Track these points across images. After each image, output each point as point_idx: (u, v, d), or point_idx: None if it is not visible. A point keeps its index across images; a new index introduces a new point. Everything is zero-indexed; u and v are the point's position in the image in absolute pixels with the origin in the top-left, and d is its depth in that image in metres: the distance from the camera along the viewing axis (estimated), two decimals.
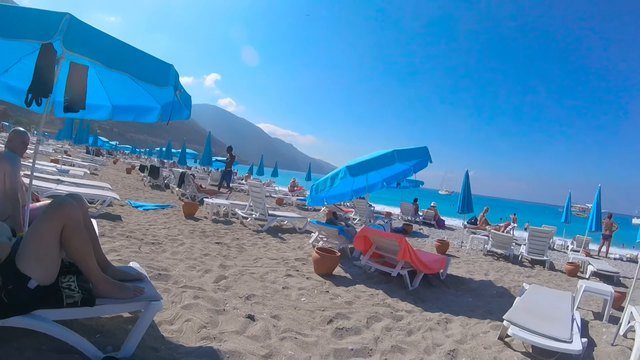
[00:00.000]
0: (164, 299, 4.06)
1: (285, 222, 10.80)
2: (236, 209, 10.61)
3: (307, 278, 6.02)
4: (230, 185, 19.13)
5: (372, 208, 19.71)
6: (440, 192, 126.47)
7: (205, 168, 27.61)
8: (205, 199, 11.56)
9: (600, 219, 15.78)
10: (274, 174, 30.59)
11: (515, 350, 4.65)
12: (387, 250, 6.95)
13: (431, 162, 8.41)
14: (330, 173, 7.63)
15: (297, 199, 18.18)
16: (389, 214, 19.09)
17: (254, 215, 9.91)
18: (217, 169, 21.99)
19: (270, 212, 10.13)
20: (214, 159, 21.29)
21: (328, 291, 5.56)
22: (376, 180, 10.06)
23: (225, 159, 17.85)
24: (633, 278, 5.87)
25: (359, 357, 3.72)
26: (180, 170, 19.13)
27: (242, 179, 27.81)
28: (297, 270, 6.35)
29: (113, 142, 58.35)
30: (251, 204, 10.43)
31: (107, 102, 5.15)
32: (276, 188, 25.73)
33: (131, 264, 4.01)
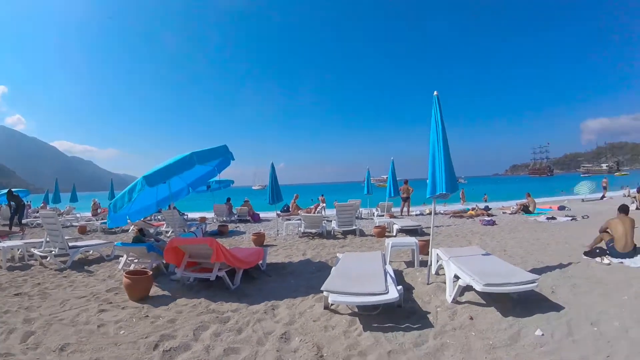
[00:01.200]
0: None
1: (90, 252, 9.62)
2: (32, 249, 9.01)
3: (123, 308, 5.46)
4: (23, 221, 16.76)
5: (185, 216, 18.99)
6: (253, 187, 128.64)
7: None
8: None
9: (397, 186, 17.88)
10: (73, 198, 26.65)
11: (342, 314, 5.01)
12: (201, 256, 6.69)
13: (233, 159, 8.27)
14: (127, 187, 6.93)
15: (102, 223, 16.36)
16: (203, 219, 18.53)
17: (53, 252, 8.59)
18: (7, 204, 18.37)
19: (71, 244, 8.88)
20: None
21: (148, 315, 5.13)
22: (181, 187, 9.55)
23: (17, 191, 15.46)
24: (431, 228, 6.80)
25: None
26: None
27: (36, 212, 23.25)
28: (111, 303, 5.70)
29: None
30: (47, 239, 9.03)
31: None
32: (77, 215, 22.70)
33: None
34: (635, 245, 7.39)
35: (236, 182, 18.63)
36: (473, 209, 19.14)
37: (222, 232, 13.78)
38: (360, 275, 5.49)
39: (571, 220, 14.75)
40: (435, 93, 6.08)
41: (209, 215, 20.42)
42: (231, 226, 15.96)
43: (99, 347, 4.08)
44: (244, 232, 14.39)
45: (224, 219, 18.75)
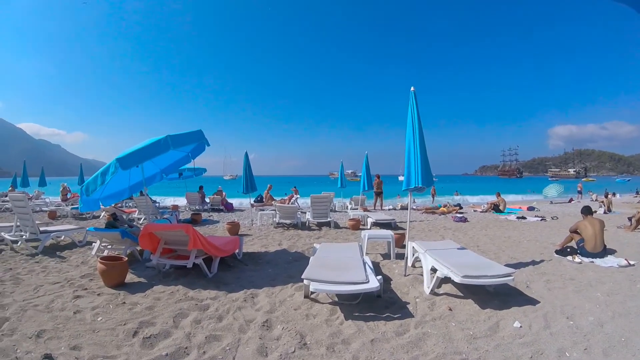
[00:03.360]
0: None
1: (62, 238, 9.37)
2: (2, 233, 8.68)
3: (99, 294, 5.34)
4: None
5: (157, 204, 18.70)
6: (224, 177, 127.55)
7: None
8: None
9: (371, 180, 17.92)
10: (42, 183, 25.87)
11: (323, 303, 5.05)
12: (177, 243, 6.60)
13: (208, 145, 8.15)
14: (100, 169, 6.71)
15: (72, 208, 15.93)
16: (175, 207, 18.28)
17: (24, 237, 8.31)
18: None
19: (42, 229, 8.61)
20: None
21: (125, 302, 5.05)
22: (154, 172, 9.38)
23: None
24: (407, 222, 6.91)
25: None
26: None
27: (4, 195, 22.28)
28: (86, 289, 5.57)
29: None
30: (18, 223, 8.72)
31: None
32: (47, 200, 22.00)
33: None
34: (605, 246, 7.73)
35: (208, 171, 18.34)
36: (445, 206, 19.55)
37: (195, 220, 13.65)
38: (340, 264, 5.56)
39: (540, 220, 15.22)
40: (412, 89, 6.15)
41: (181, 203, 20.18)
42: (204, 215, 15.84)
43: (76, 334, 4.00)
44: (217, 221, 14.29)
45: (197, 207, 18.57)
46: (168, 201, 22.98)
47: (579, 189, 30.15)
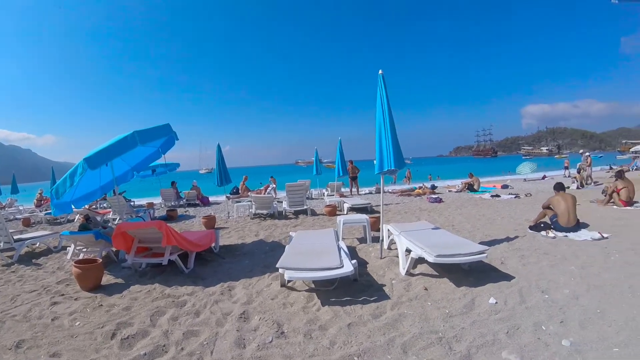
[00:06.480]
0: None
1: (37, 245, 9.19)
2: None
3: (76, 299, 5.25)
4: None
5: (132, 203, 18.44)
6: (200, 171, 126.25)
7: None
8: None
9: (346, 166, 17.86)
10: (14, 190, 25.03)
11: (300, 291, 5.08)
12: (151, 241, 6.52)
13: (177, 139, 8.04)
14: (68, 171, 6.57)
15: (45, 214, 15.60)
16: (150, 204, 18.01)
17: None
18: None
19: (16, 237, 8.39)
20: None
21: (102, 304, 4.97)
22: (125, 170, 9.22)
23: None
24: (381, 205, 7.06)
25: (157, 358, 3.49)
26: None
27: None
28: (63, 295, 5.47)
29: None
30: None
31: None
32: (20, 207, 21.40)
33: None
34: (578, 220, 7.92)
35: (182, 166, 18.06)
36: (420, 188, 19.79)
37: (171, 217, 13.52)
38: (315, 251, 5.57)
39: (514, 197, 15.45)
40: (380, 72, 6.14)
41: (156, 200, 19.92)
42: (180, 211, 15.67)
43: (55, 341, 3.93)
44: (193, 216, 14.15)
45: (173, 203, 18.35)
46: (145, 201, 22.66)
47: (565, 165, 30.39)
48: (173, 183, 18.92)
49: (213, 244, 7.52)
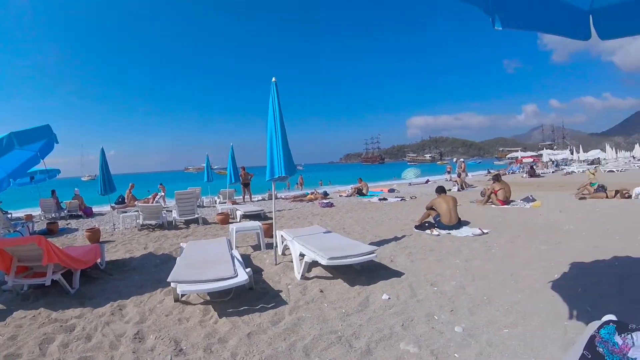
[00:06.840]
0: None
1: None
2: None
3: None
4: None
5: (9, 215, 16.67)
6: (83, 178, 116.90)
7: None
8: None
9: (237, 172, 17.73)
10: None
11: (195, 304, 4.91)
12: (32, 259, 5.87)
13: (57, 142, 7.39)
14: None
15: None
16: (29, 217, 16.31)
17: None
18: None
19: None
20: None
21: None
22: (0, 177, 8.28)
23: None
24: (273, 211, 7.11)
25: None
26: None
27: None
28: None
29: None
30: None
31: None
32: None
33: None
34: (460, 218, 8.70)
35: (63, 172, 16.63)
36: (312, 193, 20.23)
37: (51, 230, 12.34)
38: (207, 262, 5.45)
39: (400, 200, 16.51)
40: (273, 79, 6.23)
41: (35, 212, 18.18)
42: (61, 223, 14.39)
43: None
44: (76, 229, 13.03)
45: (53, 215, 16.79)
46: (23, 212, 20.58)
47: (448, 170, 32.63)
48: (53, 192, 17.28)
49: (99, 260, 6.95)
